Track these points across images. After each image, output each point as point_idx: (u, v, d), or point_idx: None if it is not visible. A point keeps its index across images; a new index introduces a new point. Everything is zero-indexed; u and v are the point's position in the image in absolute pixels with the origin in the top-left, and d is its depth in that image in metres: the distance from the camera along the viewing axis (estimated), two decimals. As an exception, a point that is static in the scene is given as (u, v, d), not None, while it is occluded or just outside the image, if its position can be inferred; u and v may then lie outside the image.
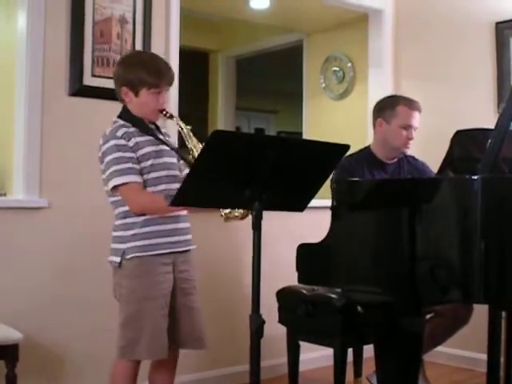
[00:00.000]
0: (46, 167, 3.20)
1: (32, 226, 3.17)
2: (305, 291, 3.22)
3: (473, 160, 2.56)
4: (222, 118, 6.56)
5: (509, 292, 2.10)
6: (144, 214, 2.55)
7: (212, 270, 3.76)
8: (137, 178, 2.52)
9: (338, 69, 5.46)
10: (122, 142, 2.52)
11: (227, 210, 2.54)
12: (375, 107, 3.36)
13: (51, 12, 3.23)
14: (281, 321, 3.33)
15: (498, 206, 2.10)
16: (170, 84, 2.66)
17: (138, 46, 3.47)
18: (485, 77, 4.24)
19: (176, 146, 2.78)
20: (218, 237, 3.76)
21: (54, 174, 3.23)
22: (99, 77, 3.35)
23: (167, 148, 2.64)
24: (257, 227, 2.09)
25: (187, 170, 2.69)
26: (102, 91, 3.34)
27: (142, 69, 2.57)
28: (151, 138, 2.60)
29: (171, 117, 2.63)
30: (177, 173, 2.64)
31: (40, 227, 3.19)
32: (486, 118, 4.01)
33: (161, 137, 2.66)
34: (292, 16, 5.31)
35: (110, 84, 3.36)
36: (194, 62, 6.15)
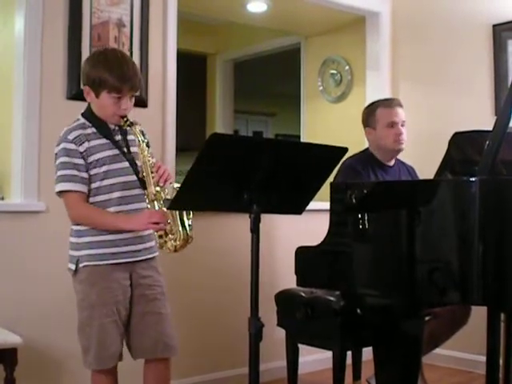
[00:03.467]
0: (44, 171, 3.20)
1: (30, 229, 3.16)
2: (303, 294, 3.21)
3: (471, 162, 2.56)
4: (220, 121, 6.56)
5: (507, 294, 2.10)
6: None
7: (210, 273, 3.76)
8: (79, 187, 2.45)
9: (335, 72, 5.47)
10: (72, 146, 2.44)
11: (171, 244, 2.47)
12: (362, 119, 3.46)
13: (49, 16, 3.23)
14: (280, 324, 3.32)
15: (496, 208, 2.09)
16: (134, 90, 2.50)
17: (136, 50, 3.48)
18: (482, 79, 4.24)
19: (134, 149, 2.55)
20: (215, 240, 3.76)
21: (52, 177, 3.20)
22: (97, 80, 3.34)
23: (125, 151, 2.52)
24: (255, 230, 2.09)
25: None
26: (99, 95, 3.34)
27: (104, 70, 2.43)
28: (109, 141, 2.50)
29: (131, 124, 2.48)
30: (133, 178, 2.50)
31: (38, 231, 3.18)
32: (483, 120, 4.01)
33: (118, 138, 2.52)
34: (289, 19, 5.31)
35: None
36: (192, 65, 6.15)
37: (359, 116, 3.52)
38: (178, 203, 2.19)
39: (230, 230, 3.67)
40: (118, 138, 2.53)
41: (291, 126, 7.33)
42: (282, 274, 3.78)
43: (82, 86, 2.57)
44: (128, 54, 3.44)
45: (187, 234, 2.47)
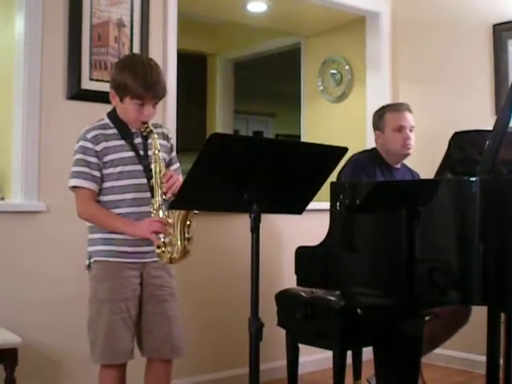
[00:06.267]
0: (44, 171, 3.20)
1: (30, 230, 3.16)
2: (304, 294, 3.21)
3: (471, 161, 2.56)
4: (220, 121, 6.56)
5: (508, 293, 2.10)
6: None
7: (211, 272, 3.76)
8: (88, 184, 2.51)
9: (335, 71, 5.47)
10: (89, 144, 2.51)
11: (168, 256, 2.46)
12: (372, 122, 3.48)
13: (49, 16, 3.23)
14: (280, 323, 3.32)
15: (497, 208, 2.09)
16: (158, 98, 2.53)
17: (136, 50, 3.48)
18: (482, 79, 4.25)
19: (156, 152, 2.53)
20: (216, 239, 3.76)
21: (52, 177, 3.23)
22: (97, 80, 3.35)
23: (141, 155, 2.55)
24: (255, 230, 2.09)
25: (175, 166, 2.67)
26: (99, 95, 3.33)
27: (129, 76, 2.47)
28: (127, 143, 2.55)
29: (149, 132, 2.51)
30: (145, 181, 2.52)
31: (38, 231, 3.18)
32: (484, 119, 4.01)
33: (137, 141, 2.56)
34: (289, 19, 5.31)
35: (107, 87, 3.36)
36: (192, 65, 6.15)
37: (360, 115, 3.54)
38: (179, 203, 2.19)
39: (230, 229, 3.67)
40: (138, 140, 2.58)
41: (291, 126, 7.32)
42: (282, 274, 3.78)
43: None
44: (128, 54, 3.44)
45: (185, 247, 2.48)
